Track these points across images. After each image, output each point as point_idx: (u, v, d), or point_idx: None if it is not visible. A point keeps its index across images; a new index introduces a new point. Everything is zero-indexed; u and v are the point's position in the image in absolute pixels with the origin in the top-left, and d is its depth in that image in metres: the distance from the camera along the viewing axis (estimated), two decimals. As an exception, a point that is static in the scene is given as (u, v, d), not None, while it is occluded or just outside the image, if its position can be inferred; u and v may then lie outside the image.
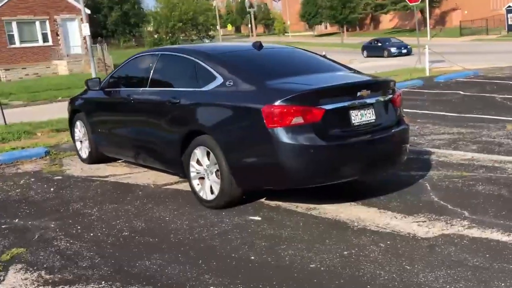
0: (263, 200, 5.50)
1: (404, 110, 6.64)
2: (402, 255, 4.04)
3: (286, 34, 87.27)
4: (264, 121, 4.69)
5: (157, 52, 6.36)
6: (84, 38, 35.69)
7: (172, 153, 5.68)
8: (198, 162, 5.38)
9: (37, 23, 34.49)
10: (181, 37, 57.78)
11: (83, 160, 7.62)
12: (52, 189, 6.46)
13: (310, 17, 77.39)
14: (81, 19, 35.72)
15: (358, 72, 5.87)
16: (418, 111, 10.72)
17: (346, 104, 4.90)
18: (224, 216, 5.12)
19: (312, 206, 5.28)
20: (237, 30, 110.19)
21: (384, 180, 6.01)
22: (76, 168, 7.48)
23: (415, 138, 8.10)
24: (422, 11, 59.34)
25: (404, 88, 14.37)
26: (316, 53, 6.28)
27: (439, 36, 56.38)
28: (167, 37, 56.47)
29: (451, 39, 51.96)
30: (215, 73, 5.35)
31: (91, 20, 36.16)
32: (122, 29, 66.89)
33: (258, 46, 5.94)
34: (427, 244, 4.22)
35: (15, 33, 33.63)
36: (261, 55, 5.93)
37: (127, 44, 67.55)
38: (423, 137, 8.16)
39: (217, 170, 5.15)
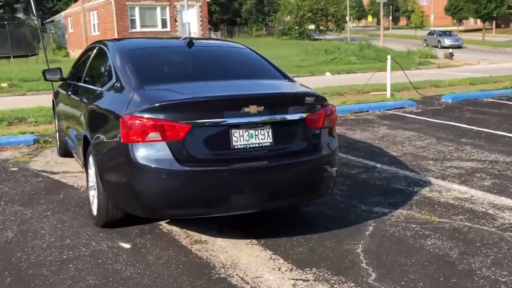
0: (161, 223, 4.68)
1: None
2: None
3: (423, 27, 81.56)
4: (120, 134, 3.87)
5: (95, 45, 5.76)
6: (201, 25, 36.69)
7: (82, 158, 5.08)
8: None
9: (158, 8, 35.84)
10: (309, 28, 56.97)
11: (58, 152, 7.30)
12: (-7, 181, 6.19)
13: (455, 10, 71.79)
14: (200, 7, 36.63)
15: (291, 82, 4.74)
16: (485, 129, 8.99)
17: (225, 121, 3.90)
18: (96, 238, 4.40)
19: (204, 238, 4.37)
20: (379, 22, 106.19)
21: (319, 215, 4.90)
22: (43, 160, 7.18)
23: (431, 163, 6.67)
24: None
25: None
26: (263, 58, 5.18)
27: None
28: (296, 27, 55.92)
29: None
30: (113, 71, 4.63)
31: (209, 7, 36.88)
32: (255, 17, 67.62)
33: (188, 43, 5.06)
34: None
35: (137, 18, 35.27)
36: (182, 54, 5.07)
37: (258, 32, 68.22)
38: (442, 163, 6.67)
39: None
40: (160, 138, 3.75)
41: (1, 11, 56.82)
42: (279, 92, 4.36)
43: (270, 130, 4.01)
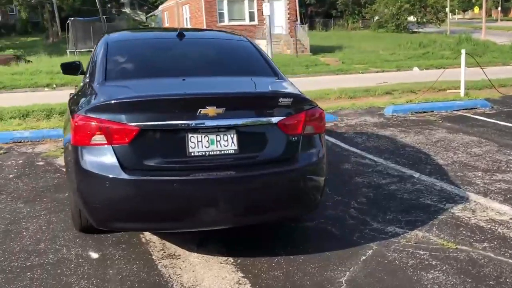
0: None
1: None
2: None
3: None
4: (71, 136, 3.57)
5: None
6: (288, 18, 36.21)
7: None
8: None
9: (246, 2, 35.76)
10: (408, 20, 54.48)
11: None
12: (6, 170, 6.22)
13: None
14: None
15: (280, 81, 4.17)
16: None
17: (179, 124, 3.44)
18: (70, 244, 4.18)
19: (179, 252, 4.00)
20: (488, 13, 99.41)
21: (318, 232, 4.36)
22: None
23: (479, 174, 5.83)
24: None
25: None
26: (260, 53, 4.62)
27: None
28: (393, 19, 53.69)
29: None
30: (90, 66, 4.40)
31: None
32: (351, 9, 65.81)
33: (178, 35, 4.66)
34: None
35: (225, 11, 35.42)
36: (168, 47, 4.67)
37: (353, 25, 66.34)
38: (492, 176, 5.81)
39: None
40: (105, 142, 3.38)
41: (109, 5, 59.68)
42: (244, 92, 3.82)
43: (235, 135, 3.53)
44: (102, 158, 3.38)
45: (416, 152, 6.92)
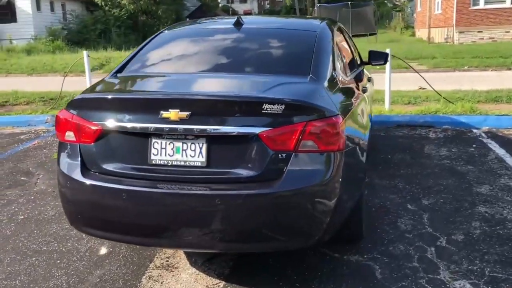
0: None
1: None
2: None
3: None
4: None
5: None
6: None
7: None
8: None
9: (509, -18, 31.63)
10: None
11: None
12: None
13: None
14: None
15: (307, 83, 3.17)
16: None
17: (141, 127, 2.90)
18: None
19: (179, 264, 3.53)
20: None
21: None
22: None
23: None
24: None
25: None
26: (318, 47, 3.58)
27: None
28: None
29: None
30: None
31: None
32: None
33: (236, 24, 4.01)
34: None
35: (483, -7, 31.90)
36: (214, 38, 4.03)
37: None
38: None
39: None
40: (75, 139, 3.09)
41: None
42: (215, 95, 2.97)
43: (204, 145, 2.85)
44: (70, 157, 3.13)
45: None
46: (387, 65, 8.76)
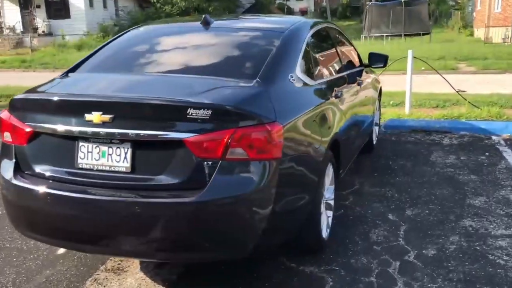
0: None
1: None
2: None
3: None
4: None
5: None
6: None
7: None
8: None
9: None
10: None
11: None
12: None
13: None
14: None
15: (250, 86, 2.96)
16: None
17: (68, 129, 2.83)
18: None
19: (129, 268, 3.45)
20: None
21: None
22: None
23: None
24: None
25: None
26: (276, 51, 3.35)
27: None
28: None
29: None
30: None
31: None
32: None
33: (204, 23, 3.87)
34: None
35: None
36: (178, 38, 3.93)
37: None
38: None
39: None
40: (11, 140, 3.05)
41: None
42: (141, 98, 2.83)
43: (129, 150, 2.74)
44: (7, 158, 3.09)
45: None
46: (408, 67, 8.44)
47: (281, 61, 3.30)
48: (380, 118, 6.77)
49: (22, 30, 32.53)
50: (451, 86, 8.97)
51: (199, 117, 2.62)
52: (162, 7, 36.23)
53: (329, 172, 3.61)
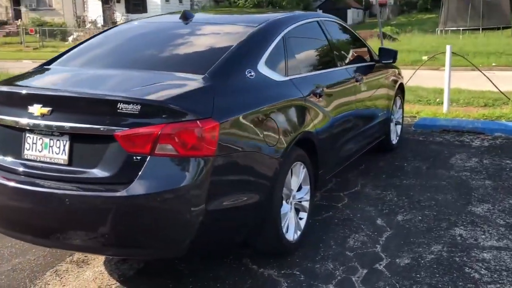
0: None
1: None
2: None
3: None
4: None
5: None
6: None
7: None
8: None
9: None
10: None
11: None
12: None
13: None
14: None
15: (192, 81, 2.90)
16: None
17: (14, 120, 2.89)
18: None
19: (95, 261, 3.47)
20: None
21: None
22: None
23: None
24: None
25: None
26: (240, 46, 3.28)
27: None
28: None
29: None
30: None
31: None
32: None
33: (183, 17, 3.82)
34: None
35: None
36: (149, 33, 3.90)
37: None
38: None
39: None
40: None
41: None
42: (74, 92, 2.83)
43: (67, 143, 2.75)
44: None
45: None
46: (447, 64, 8.01)
47: (239, 56, 3.20)
48: (403, 117, 6.45)
49: (102, 24, 34.09)
50: (493, 84, 8.43)
51: (129, 112, 2.59)
52: (236, 1, 36.52)
53: (298, 171, 3.46)
